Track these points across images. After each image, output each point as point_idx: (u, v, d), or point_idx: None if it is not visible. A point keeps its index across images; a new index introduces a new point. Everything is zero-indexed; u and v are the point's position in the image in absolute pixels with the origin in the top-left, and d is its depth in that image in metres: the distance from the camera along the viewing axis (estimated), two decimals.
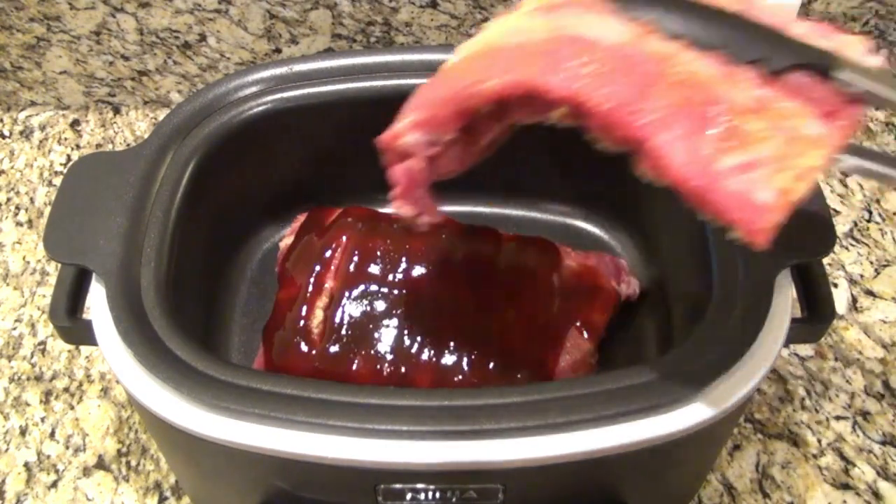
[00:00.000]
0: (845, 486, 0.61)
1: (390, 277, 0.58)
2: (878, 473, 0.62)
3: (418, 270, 0.58)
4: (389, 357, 0.55)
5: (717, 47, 0.39)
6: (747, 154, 0.36)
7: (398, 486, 0.46)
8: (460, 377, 0.55)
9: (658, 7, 0.39)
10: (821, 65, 0.39)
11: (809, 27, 0.41)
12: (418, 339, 0.56)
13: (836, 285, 0.72)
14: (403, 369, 0.55)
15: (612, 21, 0.39)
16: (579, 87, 0.37)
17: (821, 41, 0.40)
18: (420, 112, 0.41)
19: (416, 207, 0.45)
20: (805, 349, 0.68)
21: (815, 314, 0.51)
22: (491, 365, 0.55)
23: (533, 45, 0.39)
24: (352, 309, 0.57)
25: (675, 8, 0.40)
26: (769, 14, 0.41)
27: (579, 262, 0.61)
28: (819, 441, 0.63)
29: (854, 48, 0.41)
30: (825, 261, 0.61)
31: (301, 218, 0.62)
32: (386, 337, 0.56)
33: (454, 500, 0.47)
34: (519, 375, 0.55)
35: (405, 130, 0.42)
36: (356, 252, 0.59)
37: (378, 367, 0.55)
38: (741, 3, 0.41)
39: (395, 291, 0.58)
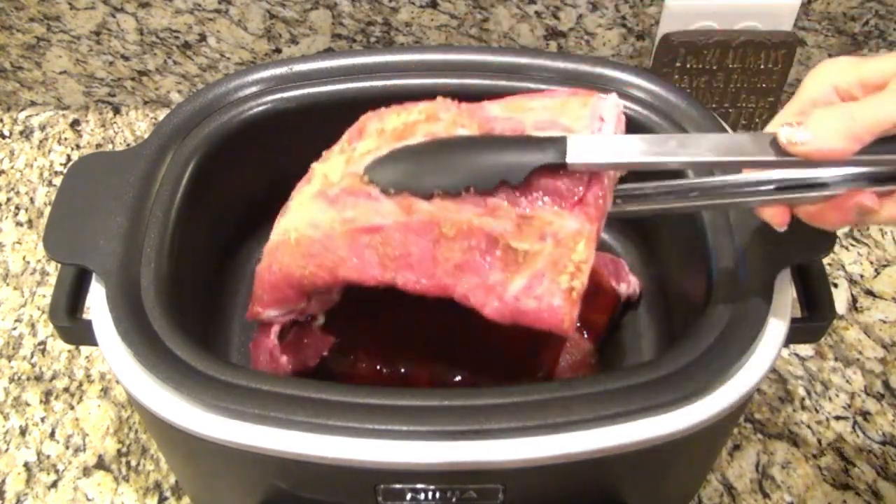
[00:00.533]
0: (845, 486, 0.61)
1: None
2: (878, 473, 0.62)
3: None
4: (386, 356, 0.55)
5: (466, 187, 0.44)
6: (528, 272, 0.43)
7: (398, 486, 0.46)
8: (458, 377, 0.55)
9: (406, 177, 0.46)
10: (554, 161, 0.43)
11: (542, 104, 0.47)
12: (415, 338, 0.56)
13: (836, 285, 0.72)
14: (402, 370, 0.55)
15: (382, 203, 0.46)
16: (387, 276, 0.46)
17: (554, 118, 0.46)
18: (268, 295, 0.50)
19: (264, 360, 0.53)
20: (805, 349, 0.68)
21: (815, 314, 0.51)
22: (489, 365, 0.55)
23: (338, 239, 0.47)
24: (346, 307, 0.57)
25: (419, 170, 0.46)
26: (501, 112, 0.47)
27: None
28: (819, 441, 0.63)
29: (577, 113, 0.46)
30: (825, 261, 0.61)
31: None
32: (382, 336, 0.56)
33: (454, 500, 0.47)
34: (518, 375, 0.55)
35: (260, 310, 0.51)
36: None
37: (375, 366, 0.55)
38: (472, 115, 0.47)
39: (390, 291, 0.57)
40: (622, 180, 0.47)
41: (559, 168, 0.43)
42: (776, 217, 0.43)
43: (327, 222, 0.47)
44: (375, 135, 0.49)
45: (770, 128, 0.42)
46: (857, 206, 0.40)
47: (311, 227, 0.47)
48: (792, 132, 0.39)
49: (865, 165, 0.40)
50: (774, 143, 0.40)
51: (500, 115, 0.47)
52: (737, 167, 0.43)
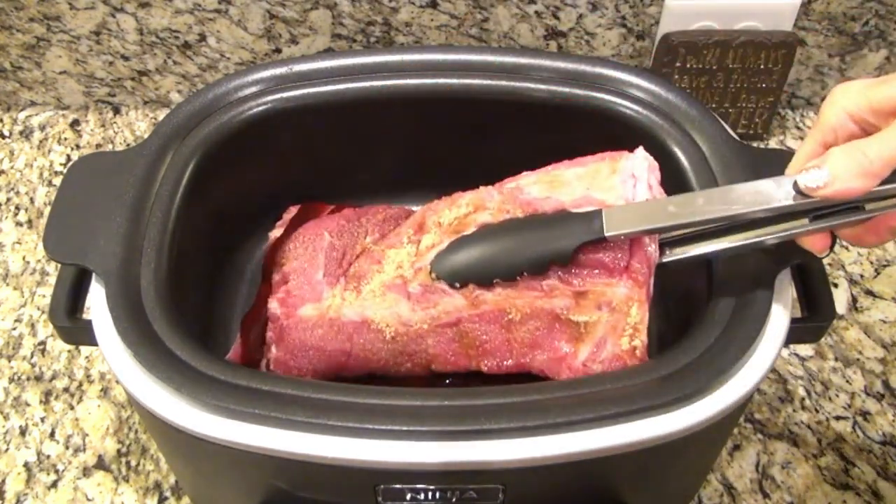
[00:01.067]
0: (845, 486, 0.61)
1: None
2: (878, 473, 0.62)
3: None
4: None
5: (521, 272, 0.49)
6: (591, 340, 0.49)
7: (398, 486, 0.46)
8: (449, 380, 0.55)
9: (467, 270, 0.51)
10: (593, 237, 0.47)
11: (575, 173, 0.52)
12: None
13: (836, 285, 0.72)
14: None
15: (454, 298, 0.51)
16: (472, 364, 0.52)
17: (589, 193, 0.50)
18: (322, 363, 0.54)
19: None
20: (805, 349, 0.68)
21: (815, 314, 0.51)
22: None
23: (427, 337, 0.52)
24: None
25: (478, 263, 0.50)
26: (539, 193, 0.51)
27: None
28: (819, 441, 0.63)
29: (608, 183, 0.50)
30: (825, 261, 0.61)
31: (293, 210, 0.62)
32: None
33: (454, 500, 0.47)
34: (512, 375, 0.55)
35: (296, 368, 0.55)
36: None
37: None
38: (514, 200, 0.52)
39: None
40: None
41: (600, 241, 0.47)
42: (817, 244, 0.45)
43: (416, 321, 0.52)
44: (436, 227, 0.54)
45: (793, 161, 0.44)
46: (890, 229, 0.42)
47: (402, 325, 0.52)
48: (811, 177, 0.40)
49: (891, 194, 0.41)
50: (797, 185, 0.41)
51: (539, 196, 0.51)
52: (766, 215, 0.44)
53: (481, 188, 0.54)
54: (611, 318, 0.48)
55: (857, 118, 0.41)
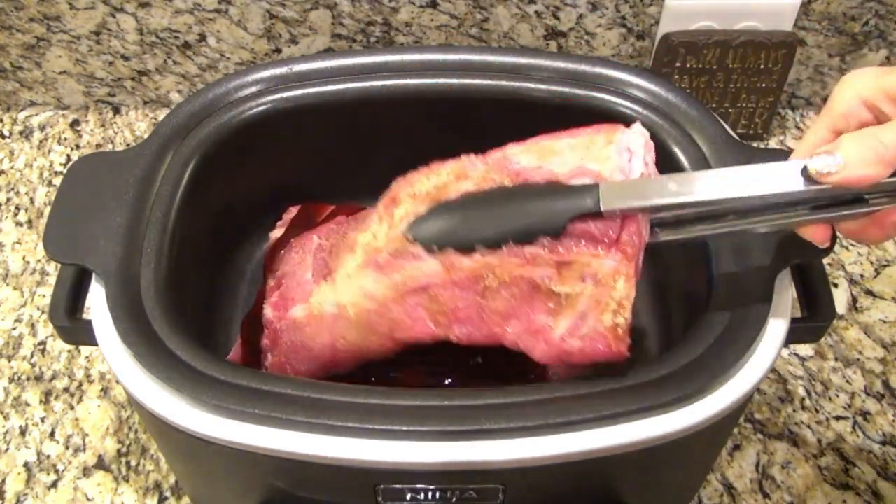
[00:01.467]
0: (845, 486, 0.61)
1: None
2: (878, 473, 0.62)
3: None
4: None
5: (506, 241, 0.45)
6: (571, 313, 0.45)
7: (398, 486, 0.46)
8: (449, 379, 0.55)
9: (447, 234, 0.47)
10: (589, 210, 0.44)
11: (568, 144, 0.48)
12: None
13: (836, 285, 0.72)
14: (390, 373, 0.55)
15: (427, 262, 0.47)
16: (440, 332, 0.48)
17: (583, 164, 0.47)
18: (316, 362, 0.53)
19: None
20: (805, 349, 0.68)
21: (815, 314, 0.51)
22: (481, 365, 0.55)
23: (391, 305, 0.49)
24: None
25: (460, 227, 0.47)
26: (529, 162, 0.48)
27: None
28: (819, 441, 0.63)
29: (603, 154, 0.47)
30: (825, 261, 0.61)
31: (293, 210, 0.62)
32: None
33: (454, 500, 0.47)
34: (510, 375, 0.55)
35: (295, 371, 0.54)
36: None
37: (367, 371, 0.55)
38: (501, 169, 0.48)
39: None
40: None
41: (594, 214, 0.45)
42: (817, 234, 0.43)
43: (380, 291, 0.49)
44: (410, 199, 0.50)
45: (801, 146, 0.42)
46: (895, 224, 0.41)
47: (367, 300, 0.49)
48: (822, 162, 0.39)
49: None
50: (805, 171, 0.40)
51: (529, 166, 0.48)
52: (770, 199, 0.43)
53: (463, 156, 0.51)
54: (595, 292, 0.45)
55: (870, 105, 0.40)
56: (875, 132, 0.38)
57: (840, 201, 0.42)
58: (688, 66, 0.77)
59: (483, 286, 0.47)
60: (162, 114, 0.86)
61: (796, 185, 0.40)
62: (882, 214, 0.41)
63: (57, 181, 0.81)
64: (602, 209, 0.44)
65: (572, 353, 0.45)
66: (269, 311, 0.55)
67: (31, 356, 0.69)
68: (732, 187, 0.42)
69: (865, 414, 0.65)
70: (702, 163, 0.54)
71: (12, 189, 0.80)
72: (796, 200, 0.42)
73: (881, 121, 0.40)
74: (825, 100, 0.43)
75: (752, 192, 0.41)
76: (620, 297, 0.44)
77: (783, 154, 0.53)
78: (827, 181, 0.39)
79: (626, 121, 0.58)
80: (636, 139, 0.48)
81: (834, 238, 0.47)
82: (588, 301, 0.45)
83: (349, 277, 0.50)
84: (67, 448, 0.63)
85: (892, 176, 0.38)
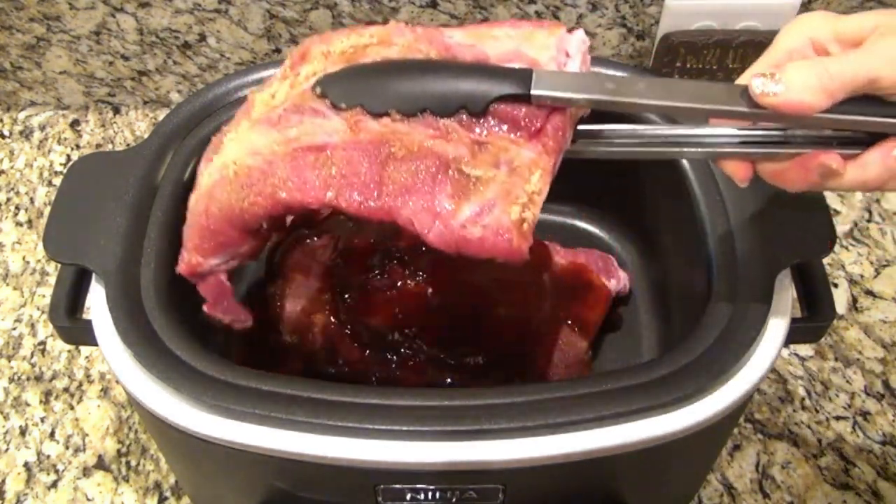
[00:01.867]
0: (845, 486, 0.61)
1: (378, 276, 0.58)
2: (878, 473, 0.62)
3: (405, 270, 0.58)
4: (375, 357, 0.55)
5: (423, 109, 0.42)
6: (478, 199, 0.41)
7: (398, 486, 0.46)
8: (450, 379, 0.55)
9: (360, 93, 0.43)
10: (518, 91, 0.41)
11: (506, 33, 0.45)
12: (405, 339, 0.56)
13: (836, 285, 0.72)
14: (392, 371, 0.55)
15: (330, 120, 0.43)
16: (330, 196, 0.43)
17: (519, 48, 0.44)
18: (207, 240, 0.47)
19: (227, 315, 0.52)
20: (805, 349, 0.68)
21: (815, 314, 0.51)
22: (481, 365, 0.55)
23: (278, 162, 0.44)
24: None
25: (375, 88, 0.43)
26: (463, 39, 0.45)
27: (569, 259, 0.61)
28: (819, 441, 0.63)
29: (542, 43, 0.44)
30: (825, 261, 0.61)
31: None
32: (371, 336, 0.56)
33: (454, 500, 0.47)
34: (510, 375, 0.55)
35: (201, 260, 0.48)
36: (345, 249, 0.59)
37: (364, 368, 0.55)
38: (431, 40, 0.45)
39: (382, 290, 0.58)
40: (583, 121, 0.45)
41: (521, 99, 0.41)
42: (738, 171, 0.42)
43: (268, 146, 0.44)
44: (321, 57, 0.46)
45: (742, 79, 0.40)
46: (820, 166, 0.39)
47: (251, 156, 0.44)
48: (765, 83, 0.38)
49: (833, 126, 0.39)
50: (745, 94, 0.39)
51: (462, 42, 0.45)
52: (705, 115, 0.41)
53: (392, 21, 0.48)
54: (507, 181, 0.41)
55: (818, 46, 0.40)
56: (822, 61, 0.38)
57: (767, 140, 0.41)
58: (688, 66, 0.77)
59: (387, 153, 0.43)
60: (162, 114, 0.86)
61: (735, 104, 0.39)
62: (806, 157, 0.40)
63: (57, 181, 0.81)
64: (532, 93, 0.41)
65: (470, 242, 0.41)
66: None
67: (31, 356, 0.69)
68: (670, 96, 0.40)
69: (865, 414, 0.65)
70: (702, 163, 0.54)
71: (12, 189, 0.80)
72: (723, 134, 0.42)
73: None
74: (784, 27, 0.42)
75: (690, 104, 0.40)
76: (532, 191, 0.41)
77: None
78: (767, 103, 0.38)
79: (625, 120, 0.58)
80: (577, 44, 0.45)
81: (834, 238, 0.47)
82: (498, 189, 0.41)
83: (238, 137, 0.46)
84: (67, 448, 0.63)
85: (826, 112, 0.38)
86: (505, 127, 0.42)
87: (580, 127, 0.44)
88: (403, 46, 0.45)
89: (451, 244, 0.42)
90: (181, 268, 0.48)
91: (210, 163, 0.47)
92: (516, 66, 0.43)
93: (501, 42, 0.45)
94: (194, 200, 0.47)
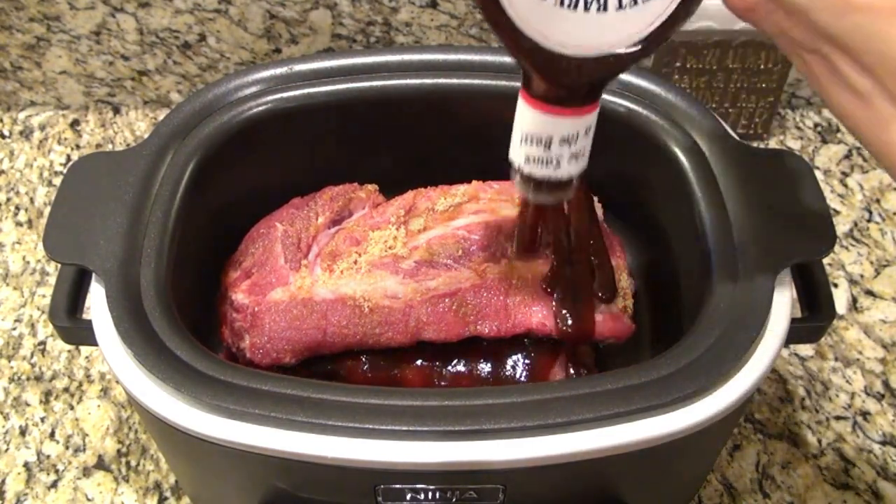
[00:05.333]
0: (845, 486, 0.61)
1: None
2: (878, 473, 0.62)
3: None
4: (374, 356, 0.55)
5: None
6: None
7: (398, 486, 0.46)
8: (448, 380, 0.55)
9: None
10: None
11: None
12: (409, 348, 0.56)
13: (836, 285, 0.72)
14: (393, 371, 0.55)
15: (461, 272, 0.54)
16: (468, 330, 0.53)
17: None
18: (311, 350, 0.54)
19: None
20: (805, 349, 0.68)
21: (815, 314, 0.51)
22: (481, 365, 0.55)
23: (417, 307, 0.53)
24: None
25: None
26: None
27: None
28: (819, 441, 0.63)
29: None
30: (825, 261, 0.61)
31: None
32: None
33: (454, 500, 0.47)
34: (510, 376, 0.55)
35: (293, 361, 0.54)
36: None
37: (363, 367, 0.55)
38: (509, 194, 0.57)
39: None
40: None
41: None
42: None
43: (406, 294, 0.53)
44: (428, 213, 0.56)
45: None
46: None
47: (388, 299, 0.53)
48: None
49: None
50: None
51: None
52: None
53: (474, 182, 0.58)
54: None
55: None
56: None
57: None
58: (688, 66, 0.77)
59: (509, 284, 0.53)
60: (162, 114, 0.86)
61: None
62: None
63: (57, 181, 0.81)
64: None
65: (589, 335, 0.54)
66: (241, 297, 0.55)
67: (31, 356, 0.69)
68: None
69: (865, 414, 0.65)
70: (702, 163, 0.54)
71: (12, 189, 0.80)
72: None
73: None
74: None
75: None
76: (625, 287, 0.55)
77: (783, 154, 0.53)
78: None
79: (627, 121, 0.58)
80: None
81: (834, 238, 0.47)
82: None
83: (356, 274, 0.54)
84: (67, 448, 0.63)
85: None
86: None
87: None
88: (489, 200, 0.56)
89: (571, 337, 0.54)
90: (264, 361, 0.53)
91: (298, 272, 0.55)
92: None
93: None
94: (296, 314, 0.53)
